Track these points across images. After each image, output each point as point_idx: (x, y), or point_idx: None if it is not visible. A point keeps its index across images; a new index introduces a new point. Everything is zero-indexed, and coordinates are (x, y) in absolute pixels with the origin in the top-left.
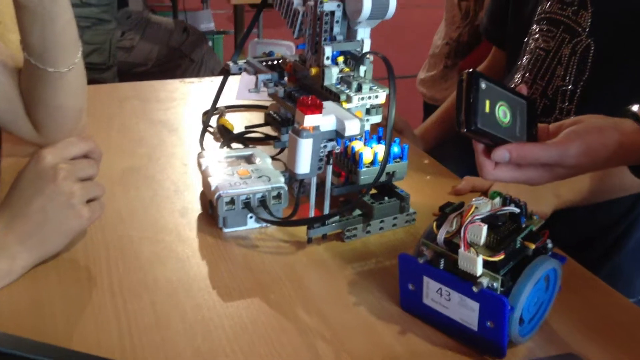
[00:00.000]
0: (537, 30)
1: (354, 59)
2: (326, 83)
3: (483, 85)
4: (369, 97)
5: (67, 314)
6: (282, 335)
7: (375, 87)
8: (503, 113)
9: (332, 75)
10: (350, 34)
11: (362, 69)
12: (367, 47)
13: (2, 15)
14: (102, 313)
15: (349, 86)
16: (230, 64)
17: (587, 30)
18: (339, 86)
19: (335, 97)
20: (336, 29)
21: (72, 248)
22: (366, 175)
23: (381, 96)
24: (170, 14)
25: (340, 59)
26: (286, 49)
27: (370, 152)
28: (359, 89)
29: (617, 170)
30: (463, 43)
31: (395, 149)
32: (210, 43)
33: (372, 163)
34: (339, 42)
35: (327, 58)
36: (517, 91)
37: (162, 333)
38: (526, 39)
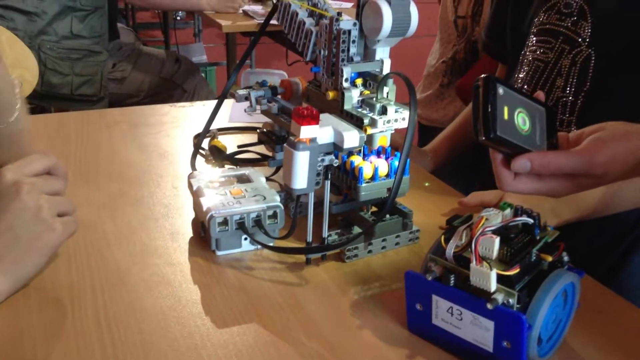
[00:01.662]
0: (534, 41)
1: (374, 80)
2: (346, 107)
3: (500, 90)
4: (396, 120)
5: (47, 343)
6: None
7: (401, 109)
8: (522, 120)
9: (353, 97)
10: (368, 54)
11: (385, 90)
12: (387, 68)
13: None
14: (86, 342)
15: (372, 109)
16: (238, 92)
17: (587, 40)
18: (360, 109)
19: (357, 122)
20: (353, 49)
21: (54, 273)
22: (367, 191)
23: (407, 118)
24: (163, 48)
25: (359, 81)
26: (279, 78)
27: (370, 167)
28: (384, 111)
29: (624, 185)
30: (460, 60)
31: (396, 163)
32: (203, 75)
33: (373, 178)
34: (357, 62)
35: (346, 80)
36: (535, 97)
37: None
38: (523, 51)
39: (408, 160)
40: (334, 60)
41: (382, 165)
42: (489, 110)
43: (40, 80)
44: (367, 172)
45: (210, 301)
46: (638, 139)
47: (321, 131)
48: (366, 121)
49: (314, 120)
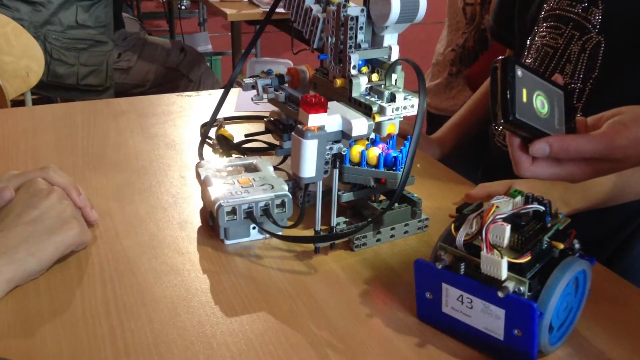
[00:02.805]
0: (543, 27)
1: (383, 67)
2: (354, 94)
3: (519, 72)
4: (404, 108)
5: (57, 334)
6: (291, 351)
7: (410, 97)
8: (541, 103)
9: (361, 85)
10: (376, 41)
11: (394, 77)
12: (395, 54)
13: None
14: (96, 332)
15: (380, 96)
16: (245, 80)
17: (597, 27)
18: (368, 97)
19: (366, 109)
20: (360, 36)
21: (64, 264)
22: (350, 173)
23: (416, 105)
24: (168, 37)
25: (365, 69)
26: (285, 67)
27: (357, 152)
28: (392, 98)
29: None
30: (469, 49)
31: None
32: (208, 64)
33: (377, 166)
34: (365, 49)
35: (354, 67)
36: (553, 80)
37: (161, 353)
38: (531, 37)
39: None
40: (341, 48)
41: (373, 152)
42: (508, 92)
43: (47, 71)
44: (354, 157)
45: (220, 290)
46: None
47: (329, 119)
48: (375, 109)
49: (322, 108)
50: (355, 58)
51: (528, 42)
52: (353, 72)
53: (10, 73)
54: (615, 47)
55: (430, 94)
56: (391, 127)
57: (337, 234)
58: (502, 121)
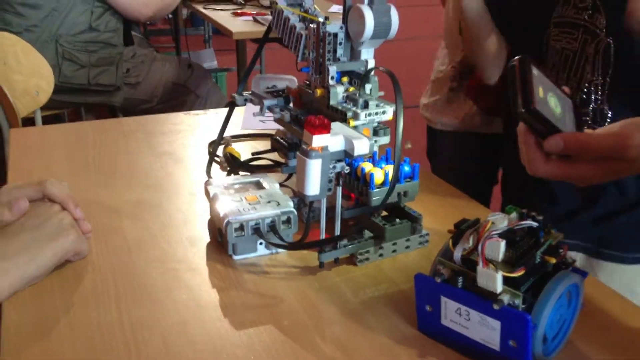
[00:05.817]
0: (557, 31)
1: (359, 77)
2: (332, 102)
3: (535, 71)
4: (376, 114)
5: (74, 344)
6: None
7: (382, 104)
8: (554, 103)
9: (338, 93)
10: (354, 55)
11: (368, 86)
12: (371, 67)
13: (6, 55)
14: (111, 344)
15: (355, 103)
16: (236, 96)
17: (604, 31)
18: (345, 104)
19: (342, 116)
20: (340, 50)
21: (79, 278)
22: (378, 196)
23: (388, 112)
24: (174, 54)
25: (345, 79)
26: (289, 82)
27: (381, 173)
28: (366, 105)
29: None
30: (469, 65)
31: (406, 168)
32: (214, 80)
33: (384, 184)
34: (343, 62)
35: (332, 77)
36: (562, 89)
37: None
38: (545, 39)
39: (417, 165)
40: (321, 60)
41: (392, 171)
42: (527, 85)
43: (58, 72)
44: (379, 178)
45: (229, 304)
46: None
47: (332, 139)
48: (349, 114)
49: (326, 129)
50: (333, 70)
51: (545, 45)
52: (331, 82)
53: (20, 91)
54: (623, 46)
55: (430, 110)
56: (366, 131)
57: (339, 235)
58: (522, 110)
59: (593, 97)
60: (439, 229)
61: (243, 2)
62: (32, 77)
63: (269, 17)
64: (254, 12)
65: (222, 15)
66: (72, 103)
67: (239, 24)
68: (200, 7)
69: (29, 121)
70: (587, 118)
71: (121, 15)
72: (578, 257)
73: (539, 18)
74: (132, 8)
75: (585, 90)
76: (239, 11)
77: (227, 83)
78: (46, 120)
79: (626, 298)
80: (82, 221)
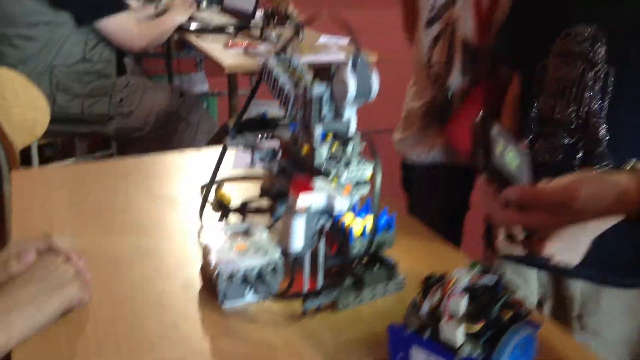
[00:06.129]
0: (556, 62)
1: (342, 135)
2: (316, 163)
3: (494, 130)
4: (358, 171)
5: None
6: None
7: (363, 162)
8: (511, 157)
9: (322, 154)
10: (338, 113)
11: (350, 146)
12: (353, 126)
13: (4, 89)
14: None
15: (338, 161)
16: (229, 139)
17: (604, 60)
18: (329, 163)
19: (325, 174)
20: (325, 109)
21: (82, 327)
22: (357, 247)
23: (368, 171)
24: (166, 77)
25: (330, 136)
26: (279, 109)
27: (360, 225)
28: (347, 165)
29: None
30: (438, 103)
31: (382, 220)
32: (205, 105)
33: (362, 235)
34: (328, 122)
35: (317, 138)
36: (519, 144)
37: None
38: (541, 67)
39: (394, 217)
40: (307, 121)
41: (370, 223)
42: (487, 142)
43: (52, 102)
44: (357, 231)
45: (218, 350)
46: (611, 178)
47: (316, 198)
48: (332, 175)
49: (310, 188)
50: (318, 130)
51: (541, 74)
52: (316, 141)
53: (17, 125)
54: (623, 73)
55: (403, 144)
56: (347, 188)
57: (321, 289)
58: (483, 165)
59: (592, 122)
60: (416, 270)
61: (234, 33)
62: (29, 110)
63: (260, 49)
64: (245, 44)
65: (213, 48)
66: (65, 132)
67: (230, 56)
68: (192, 37)
69: (24, 151)
70: (581, 142)
71: (114, 46)
72: (578, 287)
73: (539, 49)
74: (126, 39)
75: (584, 115)
76: (230, 42)
77: (218, 108)
78: (39, 148)
79: (581, 347)
80: (84, 271)
